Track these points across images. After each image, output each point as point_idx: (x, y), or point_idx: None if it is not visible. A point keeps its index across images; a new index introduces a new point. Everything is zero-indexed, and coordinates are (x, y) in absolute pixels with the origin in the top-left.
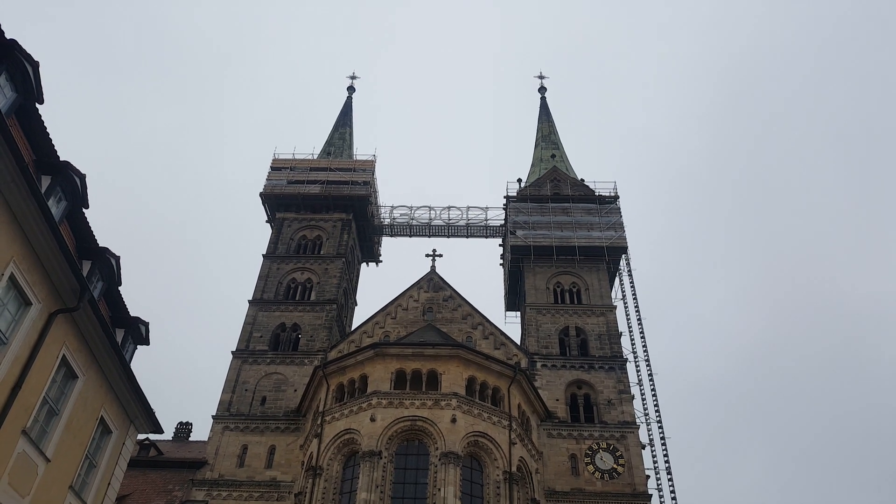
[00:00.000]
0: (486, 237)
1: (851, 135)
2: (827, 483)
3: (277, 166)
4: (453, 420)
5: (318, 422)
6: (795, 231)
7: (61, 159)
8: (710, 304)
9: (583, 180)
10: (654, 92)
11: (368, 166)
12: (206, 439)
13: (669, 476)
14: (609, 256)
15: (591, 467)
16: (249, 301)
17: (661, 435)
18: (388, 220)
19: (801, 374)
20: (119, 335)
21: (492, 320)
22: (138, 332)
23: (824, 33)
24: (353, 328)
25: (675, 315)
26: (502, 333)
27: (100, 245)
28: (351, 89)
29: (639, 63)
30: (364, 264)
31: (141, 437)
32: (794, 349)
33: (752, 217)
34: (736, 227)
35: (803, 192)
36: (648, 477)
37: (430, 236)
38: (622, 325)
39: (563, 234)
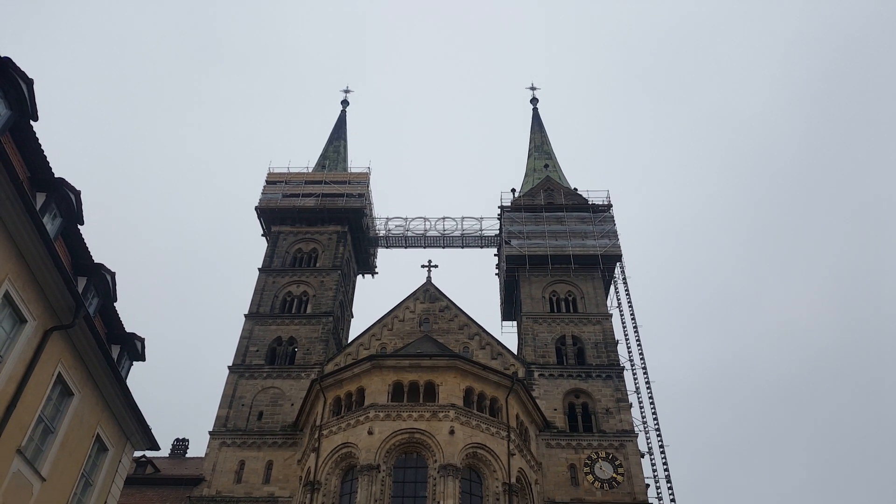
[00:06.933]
0: (482, 247)
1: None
2: (834, 489)
3: (272, 180)
4: (451, 432)
5: (316, 436)
6: (799, 235)
7: (56, 176)
8: (711, 310)
9: (576, 189)
10: (647, 99)
11: (363, 178)
12: (203, 455)
13: (669, 484)
14: (604, 265)
15: (590, 477)
16: (245, 315)
17: (660, 443)
18: (384, 232)
19: (805, 379)
20: (115, 351)
21: (488, 330)
22: (134, 348)
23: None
24: (349, 341)
25: (674, 322)
26: (499, 343)
27: (95, 261)
28: (345, 103)
29: (633, 70)
30: (360, 276)
31: (137, 454)
32: (795, 352)
33: (753, 221)
34: (736, 231)
35: (807, 195)
36: (648, 486)
37: (425, 247)
38: (619, 334)
39: (558, 242)
